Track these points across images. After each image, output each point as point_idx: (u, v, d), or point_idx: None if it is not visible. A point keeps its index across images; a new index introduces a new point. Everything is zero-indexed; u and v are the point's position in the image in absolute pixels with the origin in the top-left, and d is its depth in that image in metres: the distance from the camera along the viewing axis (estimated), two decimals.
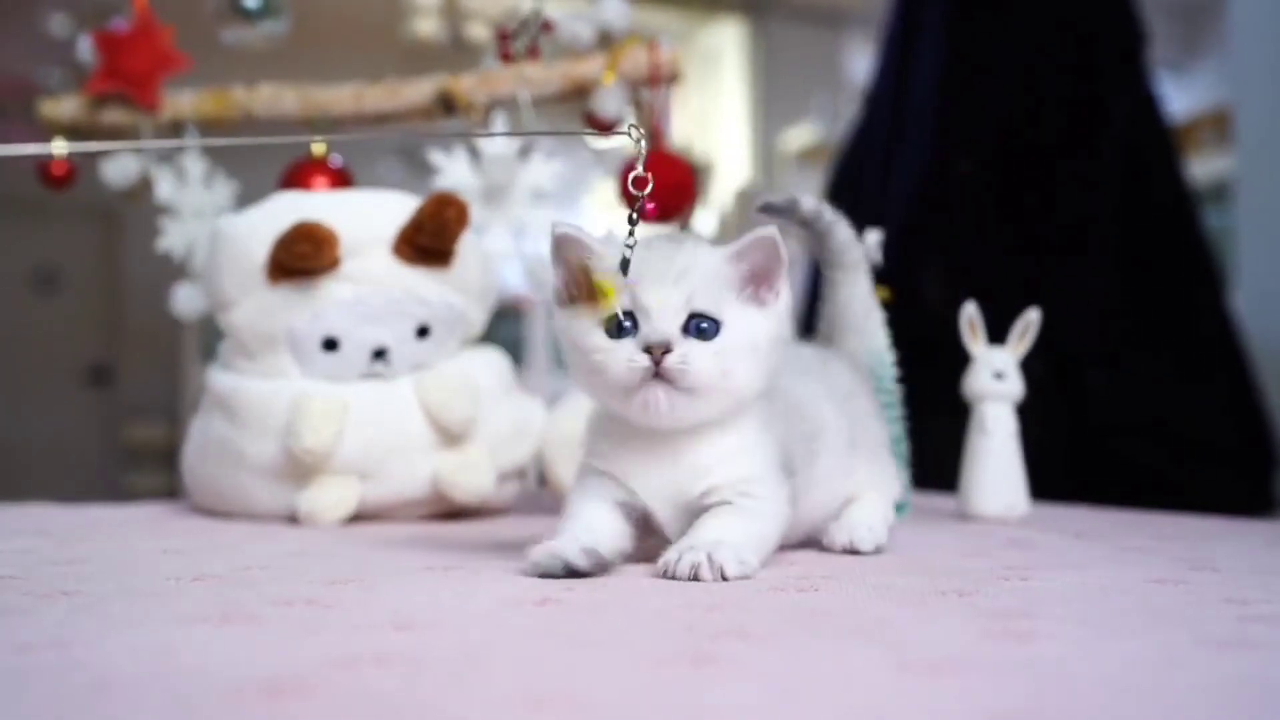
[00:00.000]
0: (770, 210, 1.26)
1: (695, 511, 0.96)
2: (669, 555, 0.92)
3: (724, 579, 0.88)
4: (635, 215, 0.95)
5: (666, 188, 1.71)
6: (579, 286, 0.95)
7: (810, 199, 1.27)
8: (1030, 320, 1.47)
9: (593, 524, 0.96)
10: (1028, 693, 0.53)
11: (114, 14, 1.91)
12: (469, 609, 0.76)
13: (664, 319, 0.92)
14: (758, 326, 0.95)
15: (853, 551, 1.09)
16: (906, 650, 0.62)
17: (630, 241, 0.92)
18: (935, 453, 1.58)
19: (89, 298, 6.34)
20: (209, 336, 4.39)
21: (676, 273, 0.92)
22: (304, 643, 0.65)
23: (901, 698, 0.52)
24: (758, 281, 0.96)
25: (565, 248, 0.96)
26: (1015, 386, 1.47)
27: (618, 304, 0.92)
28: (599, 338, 0.94)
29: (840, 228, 1.27)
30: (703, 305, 0.92)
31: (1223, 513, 1.60)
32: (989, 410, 1.47)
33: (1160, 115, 2.27)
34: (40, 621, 0.72)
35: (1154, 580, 0.92)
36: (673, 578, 0.90)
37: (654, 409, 0.92)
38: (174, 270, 1.91)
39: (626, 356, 0.92)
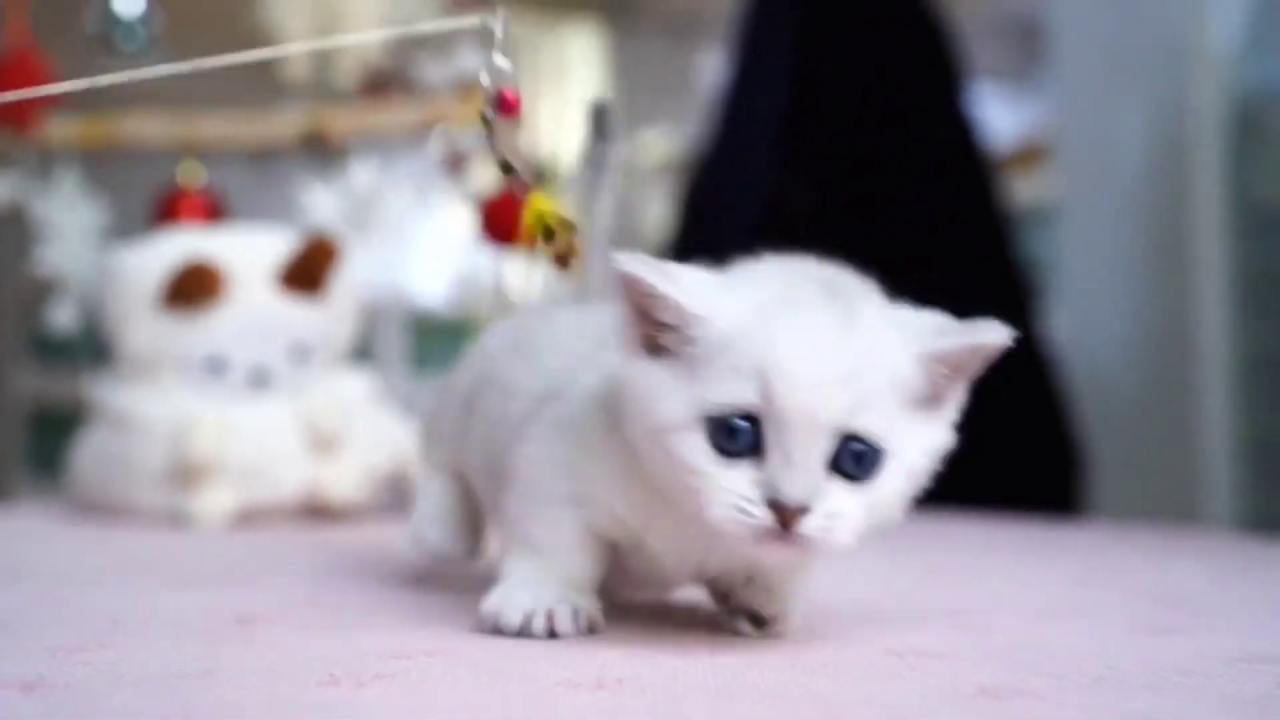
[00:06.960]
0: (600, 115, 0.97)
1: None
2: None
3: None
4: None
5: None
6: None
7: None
8: None
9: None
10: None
11: None
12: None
13: (809, 449, 0.60)
14: (926, 446, 0.66)
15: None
16: None
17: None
18: None
19: None
20: (37, 343, 4.28)
21: (844, 369, 0.61)
22: (251, 595, 0.87)
23: None
24: (944, 385, 0.66)
25: (629, 289, 0.65)
26: None
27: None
28: (700, 452, 0.62)
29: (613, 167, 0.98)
30: (868, 425, 0.62)
31: (1033, 512, 1.89)
32: None
33: (979, 142, 2.43)
34: (22, 589, 0.93)
35: (885, 557, 1.20)
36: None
37: (765, 562, 0.69)
38: None
39: (737, 498, 0.61)
